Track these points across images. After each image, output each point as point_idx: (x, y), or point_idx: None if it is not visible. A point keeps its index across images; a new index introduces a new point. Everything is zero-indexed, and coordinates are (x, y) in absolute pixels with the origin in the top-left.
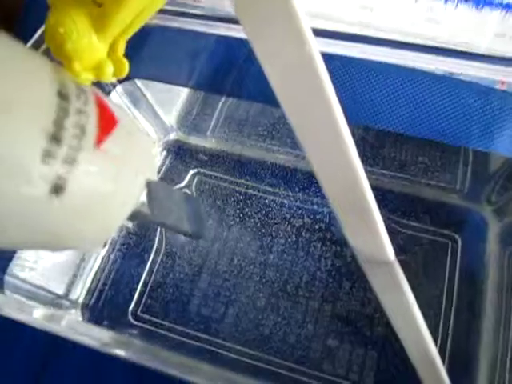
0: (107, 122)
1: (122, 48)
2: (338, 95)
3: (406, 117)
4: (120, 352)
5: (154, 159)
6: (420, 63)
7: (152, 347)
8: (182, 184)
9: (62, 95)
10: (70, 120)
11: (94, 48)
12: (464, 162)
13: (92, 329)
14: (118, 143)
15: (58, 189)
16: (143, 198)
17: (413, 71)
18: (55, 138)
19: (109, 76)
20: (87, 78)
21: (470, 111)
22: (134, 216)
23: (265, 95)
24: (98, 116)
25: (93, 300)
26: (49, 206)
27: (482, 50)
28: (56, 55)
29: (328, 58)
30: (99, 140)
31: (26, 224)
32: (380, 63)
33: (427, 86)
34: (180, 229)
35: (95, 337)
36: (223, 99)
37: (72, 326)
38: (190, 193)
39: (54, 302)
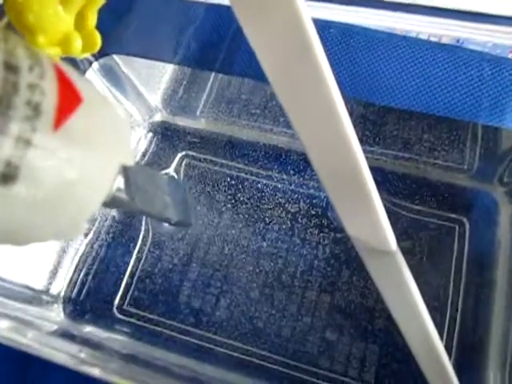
0: (69, 99)
1: (92, 19)
2: (334, 67)
3: (409, 91)
4: (96, 371)
5: (129, 140)
6: (425, 28)
7: (131, 366)
8: (170, 168)
9: (10, 67)
10: (19, 97)
11: (59, 19)
12: (473, 139)
13: (62, 343)
14: (83, 123)
15: (7, 177)
16: (120, 183)
17: (418, 41)
18: (1, 119)
19: (77, 50)
20: (54, 53)
21: (479, 83)
22: (110, 203)
23: (258, 71)
24: (57, 92)
25: (75, 293)
26: None
27: (493, 12)
28: (18, 27)
29: (323, 26)
30: (59, 120)
31: None
32: (382, 32)
33: (433, 56)
34: (164, 217)
35: (68, 352)
36: (213, 76)
37: (40, 339)
38: (176, 177)
39: (33, 298)
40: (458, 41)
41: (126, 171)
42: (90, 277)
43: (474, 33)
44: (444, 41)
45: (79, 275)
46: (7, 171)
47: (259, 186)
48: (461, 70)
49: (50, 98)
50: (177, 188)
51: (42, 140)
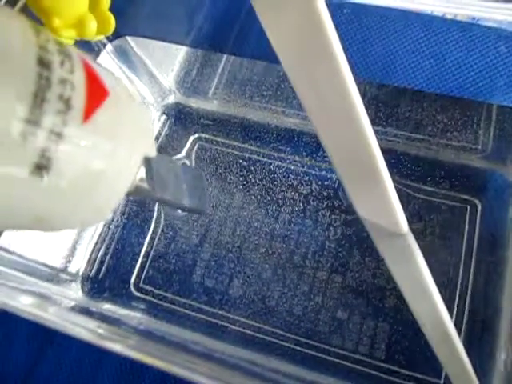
0: (97, 93)
1: (106, 1)
2: (347, 48)
3: (423, 71)
4: (114, 346)
5: (151, 131)
6: (439, 7)
7: (148, 342)
8: (183, 151)
9: (44, 63)
10: (52, 91)
11: (74, 2)
12: (487, 119)
13: (81, 319)
14: (109, 116)
15: (41, 168)
16: (142, 173)
17: (432, 18)
18: (36, 113)
19: (92, 33)
20: (69, 35)
21: (494, 61)
22: (132, 193)
23: (269, 53)
24: (85, 86)
25: (93, 271)
26: (32, 187)
27: None
28: (34, 10)
29: (336, 6)
30: (87, 113)
31: (7, 206)
32: (394, 9)
33: (448, 34)
34: (180, 204)
35: (86, 327)
36: (225, 58)
37: (59, 314)
38: (189, 163)
39: (53, 276)
40: (473, 18)
41: (148, 161)
42: (108, 256)
43: (488, 11)
44: (459, 18)
45: (97, 254)
46: (41, 162)
47: (271, 167)
48: (476, 47)
49: (79, 92)
50: (193, 176)
51: (73, 132)
